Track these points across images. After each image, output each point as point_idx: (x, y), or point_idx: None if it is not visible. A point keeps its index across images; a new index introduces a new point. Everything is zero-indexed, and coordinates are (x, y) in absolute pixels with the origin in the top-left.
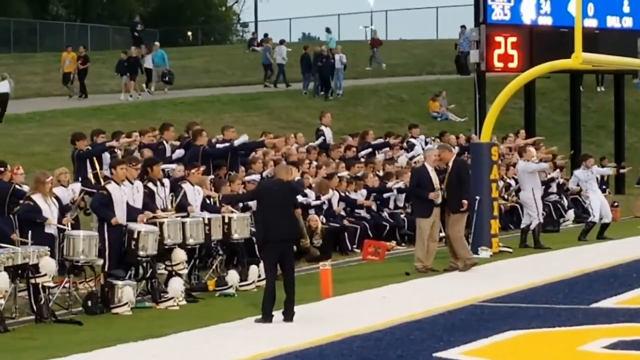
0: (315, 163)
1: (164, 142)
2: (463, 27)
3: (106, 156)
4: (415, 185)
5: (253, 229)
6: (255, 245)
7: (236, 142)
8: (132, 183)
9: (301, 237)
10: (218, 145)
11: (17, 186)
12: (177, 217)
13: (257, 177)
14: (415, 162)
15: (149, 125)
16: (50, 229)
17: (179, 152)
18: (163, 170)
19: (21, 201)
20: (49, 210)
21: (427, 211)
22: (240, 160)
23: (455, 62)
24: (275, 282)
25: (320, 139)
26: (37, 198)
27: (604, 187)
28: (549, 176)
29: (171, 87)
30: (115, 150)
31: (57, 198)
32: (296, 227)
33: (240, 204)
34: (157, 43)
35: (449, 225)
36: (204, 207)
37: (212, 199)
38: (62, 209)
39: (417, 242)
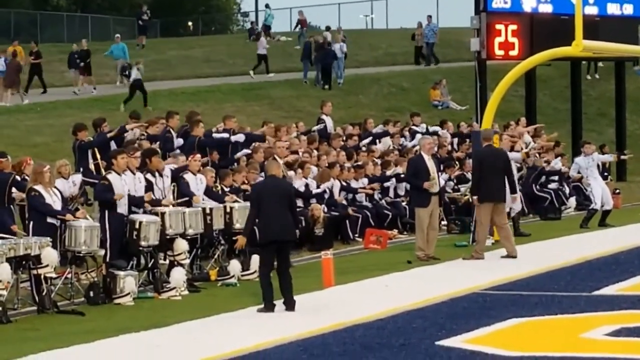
0: (316, 152)
1: (171, 130)
2: (430, 17)
3: (113, 146)
4: (411, 175)
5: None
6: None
7: (233, 138)
8: (134, 173)
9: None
10: (214, 135)
11: (17, 177)
12: (178, 206)
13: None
14: (416, 151)
15: (150, 115)
16: (53, 219)
17: (179, 141)
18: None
19: (15, 191)
20: (52, 201)
21: (425, 201)
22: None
23: (415, 54)
24: (270, 273)
25: (321, 125)
26: (40, 189)
27: (605, 174)
28: (549, 167)
29: (172, 77)
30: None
31: (58, 190)
32: (293, 227)
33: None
34: (118, 35)
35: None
36: (208, 195)
37: (216, 189)
38: (63, 201)
39: (416, 232)
